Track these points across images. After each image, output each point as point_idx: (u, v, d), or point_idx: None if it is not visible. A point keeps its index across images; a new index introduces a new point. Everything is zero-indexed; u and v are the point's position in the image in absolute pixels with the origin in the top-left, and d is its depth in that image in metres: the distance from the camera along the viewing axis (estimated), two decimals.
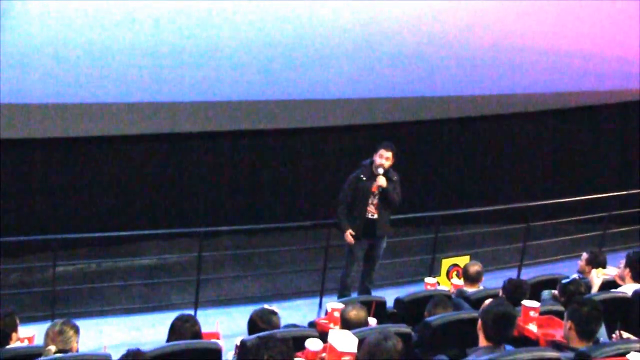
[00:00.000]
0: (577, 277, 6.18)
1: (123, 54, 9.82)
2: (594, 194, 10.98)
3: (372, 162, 7.92)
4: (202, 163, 12.10)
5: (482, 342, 4.31)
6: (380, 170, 7.82)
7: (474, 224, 12.10)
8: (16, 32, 9.04)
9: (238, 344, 4.74)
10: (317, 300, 8.99)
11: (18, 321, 5.04)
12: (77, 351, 4.66)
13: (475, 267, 6.80)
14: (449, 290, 6.83)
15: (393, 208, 8.11)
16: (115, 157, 11.43)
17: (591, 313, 4.31)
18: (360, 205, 7.93)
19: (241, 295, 10.12)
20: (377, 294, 7.80)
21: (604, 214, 10.62)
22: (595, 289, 6.27)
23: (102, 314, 8.80)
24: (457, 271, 8.44)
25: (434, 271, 9.22)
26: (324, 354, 4.10)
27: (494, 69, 12.52)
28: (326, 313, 5.61)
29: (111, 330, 7.99)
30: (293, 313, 8.11)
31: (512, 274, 9.44)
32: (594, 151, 14.71)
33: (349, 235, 7.98)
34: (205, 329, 5.17)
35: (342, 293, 8.23)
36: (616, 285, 6.16)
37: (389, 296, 6.59)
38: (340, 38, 11.11)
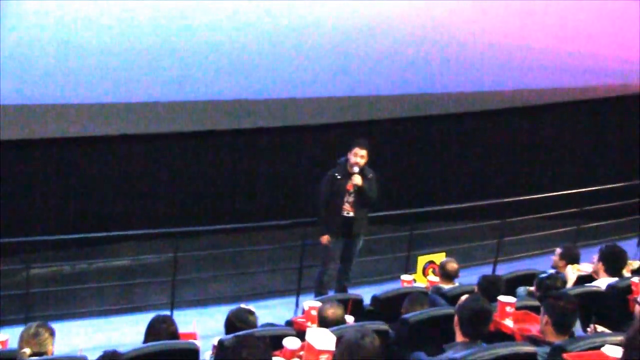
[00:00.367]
0: (554, 273, 6.24)
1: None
2: (568, 190, 11.10)
3: (347, 160, 7.92)
4: (177, 163, 12.05)
5: (459, 337, 4.34)
6: (356, 169, 7.83)
7: (449, 221, 12.15)
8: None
9: (215, 343, 4.73)
10: (293, 299, 8.98)
11: None
12: (52, 354, 4.61)
13: (453, 265, 6.84)
14: (425, 287, 6.85)
15: (369, 206, 8.12)
16: (86, 159, 11.34)
17: (567, 307, 4.34)
18: (336, 203, 7.93)
19: (218, 295, 10.08)
20: (353, 291, 7.81)
21: (577, 209, 10.71)
22: (570, 284, 6.32)
23: (77, 316, 8.73)
24: (433, 268, 8.47)
25: (410, 268, 9.25)
26: (301, 352, 4.09)
27: (470, 66, 12.59)
28: (303, 312, 5.60)
29: (87, 332, 7.95)
30: (270, 312, 8.11)
31: (487, 270, 9.51)
32: (563, 147, 14.85)
33: (325, 238, 8.01)
34: (182, 329, 5.15)
35: (318, 291, 8.23)
36: (592, 280, 6.21)
37: (366, 294, 6.61)
38: (317, 36, 11.10)
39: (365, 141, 7.97)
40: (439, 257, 8.49)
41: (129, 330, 7.91)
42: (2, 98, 9.18)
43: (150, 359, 4.57)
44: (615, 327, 4.81)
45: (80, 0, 9.26)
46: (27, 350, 4.47)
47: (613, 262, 6.12)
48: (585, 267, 6.64)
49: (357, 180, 7.82)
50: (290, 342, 4.25)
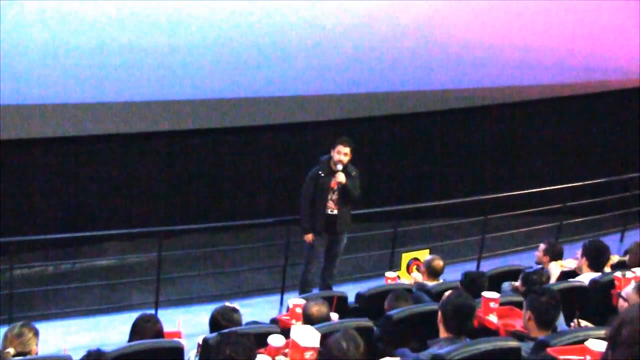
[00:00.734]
0: (540, 268, 6.27)
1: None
2: (551, 186, 11.14)
3: (330, 158, 7.92)
4: (161, 162, 12.03)
5: (443, 333, 4.35)
6: (339, 167, 7.83)
7: (432, 218, 12.18)
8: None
9: (200, 342, 4.72)
10: (278, 297, 8.97)
11: None
12: (36, 354, 4.59)
13: (439, 262, 6.85)
14: (409, 284, 6.86)
15: (353, 204, 8.13)
16: (68, 159, 11.29)
17: (549, 302, 4.36)
18: (320, 201, 7.94)
19: (202, 294, 10.07)
20: (338, 289, 7.79)
21: (560, 205, 10.76)
22: (553, 279, 6.36)
23: (61, 315, 8.70)
24: (417, 265, 8.47)
25: (394, 265, 9.26)
26: (286, 350, 4.10)
27: (452, 64, 12.64)
28: (288, 309, 5.60)
29: (71, 331, 7.90)
30: (254, 310, 8.08)
31: (471, 266, 9.52)
32: (545, 144, 14.93)
33: (309, 236, 8.01)
34: (167, 328, 5.14)
35: (303, 289, 8.23)
36: (575, 275, 6.25)
37: (350, 291, 6.60)
38: (298, 36, 11.11)
39: (349, 139, 7.97)
40: (423, 254, 8.49)
41: (113, 329, 7.88)
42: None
43: (135, 358, 4.55)
44: (599, 322, 4.84)
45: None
46: (11, 350, 4.45)
47: (596, 257, 6.17)
48: (568, 263, 6.69)
49: (341, 178, 7.82)
50: (275, 340, 4.24)
